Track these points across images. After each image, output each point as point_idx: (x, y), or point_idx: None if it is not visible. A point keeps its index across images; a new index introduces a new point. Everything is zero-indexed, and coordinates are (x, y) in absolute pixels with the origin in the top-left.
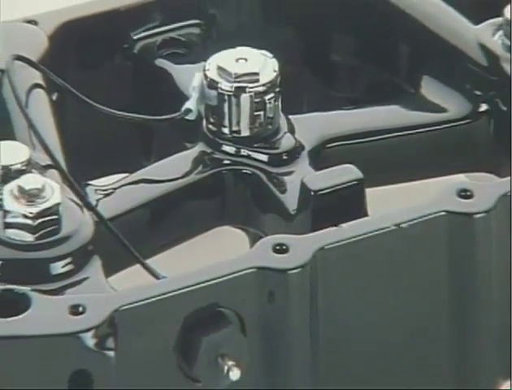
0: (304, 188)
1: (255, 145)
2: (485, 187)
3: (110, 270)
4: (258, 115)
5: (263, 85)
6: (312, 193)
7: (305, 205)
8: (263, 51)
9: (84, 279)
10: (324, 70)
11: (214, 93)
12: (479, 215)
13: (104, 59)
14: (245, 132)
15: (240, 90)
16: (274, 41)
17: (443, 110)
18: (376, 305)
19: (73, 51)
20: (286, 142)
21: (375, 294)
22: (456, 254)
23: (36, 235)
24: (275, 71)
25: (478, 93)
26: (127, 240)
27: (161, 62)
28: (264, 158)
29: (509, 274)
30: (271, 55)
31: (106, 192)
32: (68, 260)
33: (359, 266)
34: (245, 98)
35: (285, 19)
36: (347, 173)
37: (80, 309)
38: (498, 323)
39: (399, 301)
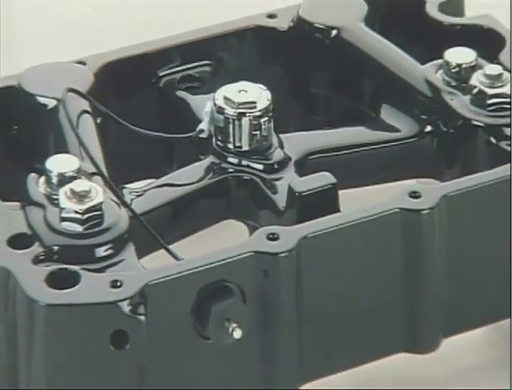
0: (291, 191)
1: (253, 157)
2: (430, 189)
3: (141, 253)
4: (256, 134)
5: (259, 111)
6: (297, 194)
7: (292, 203)
8: (259, 85)
9: (121, 260)
10: (306, 99)
11: (221, 117)
12: (425, 211)
13: (136, 91)
14: (246, 147)
15: (241, 115)
16: (267, 77)
17: (397, 130)
18: (347, 280)
19: (113, 85)
20: (277, 155)
21: (346, 272)
22: (407, 242)
23: (85, 226)
24: (268, 100)
25: (424, 117)
26: (154, 230)
27: (181, 94)
28: (260, 167)
29: (449, 257)
30: (265, 88)
31: (138, 193)
32: (109, 246)
33: (334, 251)
34: (245, 121)
35: (276, 60)
36: (324, 179)
37: (118, 283)
38: (440, 295)
39: (364, 278)
